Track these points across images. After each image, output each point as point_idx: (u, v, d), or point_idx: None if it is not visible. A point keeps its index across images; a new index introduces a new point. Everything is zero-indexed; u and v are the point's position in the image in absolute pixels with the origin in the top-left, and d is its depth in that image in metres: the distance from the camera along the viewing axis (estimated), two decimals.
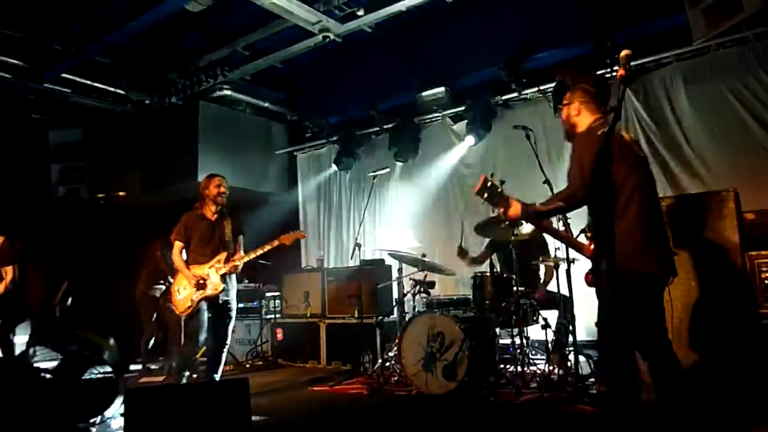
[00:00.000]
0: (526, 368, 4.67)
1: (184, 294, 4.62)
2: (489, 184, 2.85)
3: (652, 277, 2.68)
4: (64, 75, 7.03)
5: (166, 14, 5.71)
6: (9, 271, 5.45)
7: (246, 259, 4.61)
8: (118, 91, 7.59)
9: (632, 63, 2.13)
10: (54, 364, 2.84)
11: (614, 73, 5.75)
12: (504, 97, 6.49)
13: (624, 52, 2.15)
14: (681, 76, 5.59)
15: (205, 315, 4.62)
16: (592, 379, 4.46)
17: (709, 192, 4.10)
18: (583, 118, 2.97)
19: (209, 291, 4.55)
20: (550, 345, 4.82)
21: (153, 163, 7.84)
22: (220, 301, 4.63)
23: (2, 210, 5.64)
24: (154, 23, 5.87)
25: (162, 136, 7.96)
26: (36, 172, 7.83)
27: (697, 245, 3.80)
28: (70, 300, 6.00)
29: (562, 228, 3.94)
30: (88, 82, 7.33)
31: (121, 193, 4.38)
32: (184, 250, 4.77)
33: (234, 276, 4.76)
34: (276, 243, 4.65)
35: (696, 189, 5.15)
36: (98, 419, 3.17)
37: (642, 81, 5.74)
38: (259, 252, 4.63)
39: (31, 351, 2.85)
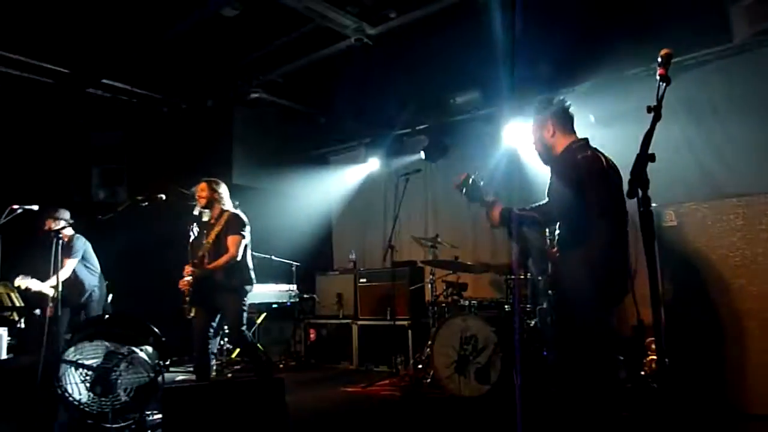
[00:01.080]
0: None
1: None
2: (471, 180, 3.05)
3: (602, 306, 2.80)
4: (104, 80, 7.24)
5: (201, 20, 5.83)
6: (67, 264, 5.66)
7: (199, 270, 4.49)
8: (156, 95, 7.78)
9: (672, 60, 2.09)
10: (95, 361, 2.91)
11: (653, 72, 5.64)
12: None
13: (664, 51, 2.11)
14: (721, 74, 5.43)
15: (199, 318, 4.54)
16: (629, 385, 4.38)
17: (752, 195, 3.98)
18: (558, 140, 3.04)
19: (186, 294, 4.49)
20: None
21: (189, 166, 7.98)
22: (206, 302, 4.54)
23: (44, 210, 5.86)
24: (189, 29, 6.00)
25: (198, 139, 8.12)
26: (78, 175, 8.06)
27: (739, 250, 3.70)
28: (110, 298, 6.17)
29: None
30: (128, 87, 7.53)
31: (161, 196, 4.45)
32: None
33: (223, 279, 4.57)
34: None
35: (737, 191, 5.00)
36: (136, 416, 3.24)
37: (681, 79, 5.60)
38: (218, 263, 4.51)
39: (74, 347, 2.94)
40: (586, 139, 3.01)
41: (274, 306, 7.26)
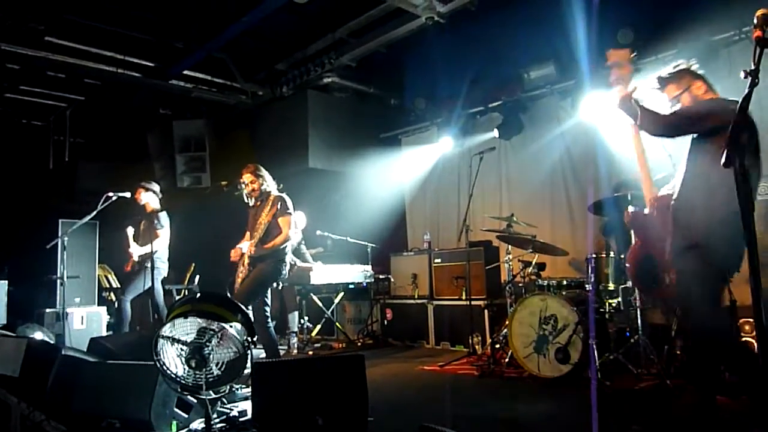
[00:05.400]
0: (649, 354, 4.42)
1: (237, 280, 4.74)
2: (630, 56, 3.04)
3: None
4: (185, 72, 7.57)
5: (275, 8, 5.96)
6: (160, 234, 5.99)
7: (251, 246, 4.60)
8: (234, 84, 8.05)
9: None
10: (189, 337, 3.09)
11: (744, 36, 5.28)
12: None
13: (760, 12, 1.97)
14: None
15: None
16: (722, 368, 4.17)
17: None
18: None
19: (242, 274, 4.64)
20: (672, 330, 4.55)
21: (267, 151, 8.25)
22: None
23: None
24: (263, 17, 6.14)
25: (275, 125, 8.36)
26: (163, 163, 8.50)
27: None
28: (197, 279, 6.52)
29: None
30: (207, 77, 7.84)
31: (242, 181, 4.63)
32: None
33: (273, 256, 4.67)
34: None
35: None
36: (227, 389, 3.42)
37: None
38: (256, 239, 4.60)
39: (169, 323, 3.14)
40: None
41: (351, 286, 7.42)
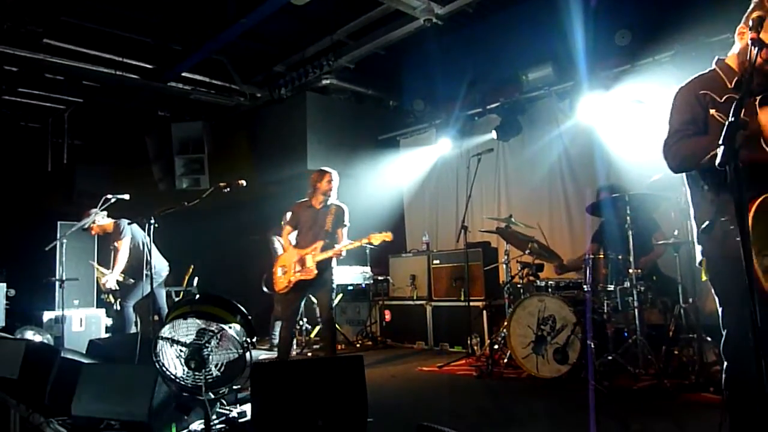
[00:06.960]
0: (646, 354, 4.43)
1: (282, 274, 4.97)
2: None
3: None
4: (184, 74, 7.58)
5: (273, 10, 5.97)
6: (121, 244, 5.98)
7: (339, 250, 4.89)
8: (232, 86, 8.07)
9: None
10: (189, 338, 3.10)
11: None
12: (621, 69, 6.11)
13: (756, 13, 1.99)
14: None
15: (300, 295, 4.98)
16: (717, 367, 4.18)
17: None
18: None
19: (304, 274, 4.85)
20: (670, 330, 4.57)
21: (266, 153, 8.26)
22: (314, 284, 4.93)
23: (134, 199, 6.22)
24: (262, 19, 6.16)
25: (273, 127, 8.37)
26: (162, 165, 8.51)
27: None
28: (196, 280, 6.51)
29: None
30: (206, 79, 7.85)
31: (241, 182, 4.63)
32: (293, 235, 5.16)
33: (333, 261, 5.01)
34: (364, 241, 4.96)
35: None
36: (226, 390, 3.43)
37: None
38: (350, 246, 4.91)
39: (169, 325, 3.15)
40: None
41: (350, 288, 7.43)
